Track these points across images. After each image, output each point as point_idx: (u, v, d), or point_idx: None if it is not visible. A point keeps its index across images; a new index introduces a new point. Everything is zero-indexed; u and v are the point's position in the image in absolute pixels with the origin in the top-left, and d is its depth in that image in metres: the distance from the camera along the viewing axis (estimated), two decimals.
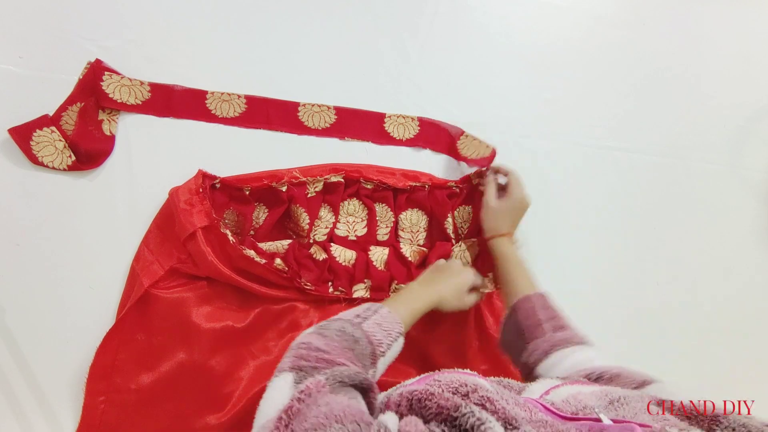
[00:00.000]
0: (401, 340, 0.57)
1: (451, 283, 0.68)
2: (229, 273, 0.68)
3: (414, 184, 0.78)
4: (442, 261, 0.72)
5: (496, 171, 0.78)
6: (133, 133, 0.72)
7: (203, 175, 0.71)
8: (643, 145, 0.95)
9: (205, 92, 0.74)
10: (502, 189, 0.76)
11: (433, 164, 0.83)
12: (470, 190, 0.80)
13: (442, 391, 0.34)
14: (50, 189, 0.69)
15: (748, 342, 0.97)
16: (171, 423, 0.67)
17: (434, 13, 0.85)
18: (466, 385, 0.35)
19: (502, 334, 0.67)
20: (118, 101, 0.70)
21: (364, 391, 0.40)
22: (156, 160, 0.72)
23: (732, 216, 1.00)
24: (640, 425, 0.29)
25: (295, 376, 0.41)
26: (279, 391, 0.39)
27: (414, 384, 0.38)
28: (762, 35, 1.04)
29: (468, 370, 0.42)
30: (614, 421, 0.32)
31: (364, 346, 0.51)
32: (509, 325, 0.64)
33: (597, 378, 0.47)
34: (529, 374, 0.58)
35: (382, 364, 0.54)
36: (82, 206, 0.70)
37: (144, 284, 0.67)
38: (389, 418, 0.30)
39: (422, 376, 0.43)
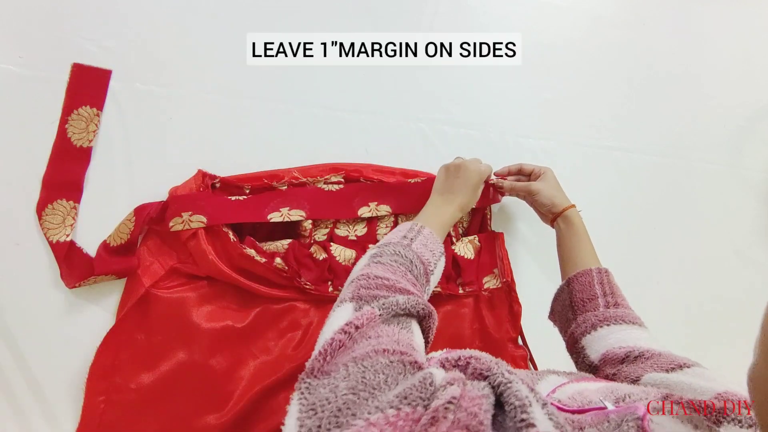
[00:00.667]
0: (443, 260, 0.59)
1: (468, 186, 0.67)
2: (230, 272, 0.68)
3: (413, 180, 0.78)
4: (455, 161, 0.70)
5: (507, 173, 0.78)
6: (133, 133, 0.72)
7: (203, 175, 0.71)
8: (643, 145, 0.95)
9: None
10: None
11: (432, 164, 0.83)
12: None
13: (479, 357, 0.34)
14: None
15: (749, 343, 0.97)
16: (171, 423, 0.67)
17: (434, 13, 0.85)
18: (492, 359, 0.36)
19: (554, 303, 0.66)
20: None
21: (422, 317, 0.40)
22: (156, 159, 0.72)
23: (732, 216, 1.00)
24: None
25: (355, 305, 0.41)
26: (337, 321, 0.39)
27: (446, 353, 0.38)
28: (762, 35, 1.05)
29: None
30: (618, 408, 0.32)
31: (417, 266, 0.51)
32: (564, 294, 0.63)
33: (636, 357, 0.46)
34: (574, 345, 0.57)
35: (433, 281, 0.55)
36: (81, 206, 0.70)
37: (144, 284, 0.67)
38: (435, 370, 0.30)
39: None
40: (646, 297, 0.93)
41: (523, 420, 0.26)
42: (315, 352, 0.33)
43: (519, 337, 0.80)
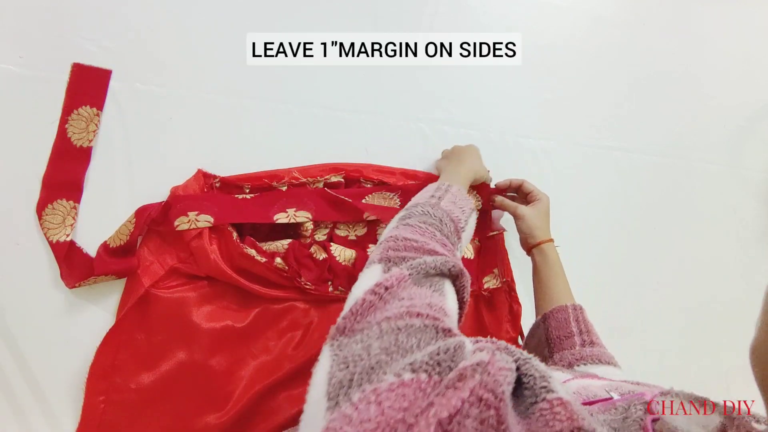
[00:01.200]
0: (475, 215, 0.58)
1: (472, 154, 0.69)
2: (231, 273, 0.68)
3: (412, 182, 0.78)
4: (449, 148, 0.72)
5: (508, 186, 0.77)
6: (133, 133, 0.72)
7: (203, 174, 0.71)
8: (643, 145, 0.95)
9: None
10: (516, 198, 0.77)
11: (432, 163, 0.83)
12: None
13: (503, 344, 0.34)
14: None
15: (749, 342, 0.97)
16: (171, 422, 0.67)
17: (434, 14, 0.85)
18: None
19: (528, 339, 0.66)
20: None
21: (454, 277, 0.39)
22: (155, 159, 0.72)
23: (732, 216, 1.00)
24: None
25: (383, 266, 0.41)
26: (367, 281, 0.39)
27: None
28: (762, 35, 1.05)
29: None
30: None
31: (447, 224, 0.50)
32: (539, 330, 0.64)
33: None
34: None
35: (465, 238, 0.54)
36: (81, 206, 0.70)
37: (144, 284, 0.67)
38: (466, 339, 0.30)
39: None
40: (645, 297, 0.93)
41: (543, 387, 0.28)
42: (345, 311, 0.33)
43: (519, 336, 0.80)
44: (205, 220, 0.68)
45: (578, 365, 0.55)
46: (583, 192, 0.91)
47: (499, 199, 0.76)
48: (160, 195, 0.71)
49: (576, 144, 0.91)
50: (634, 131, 0.95)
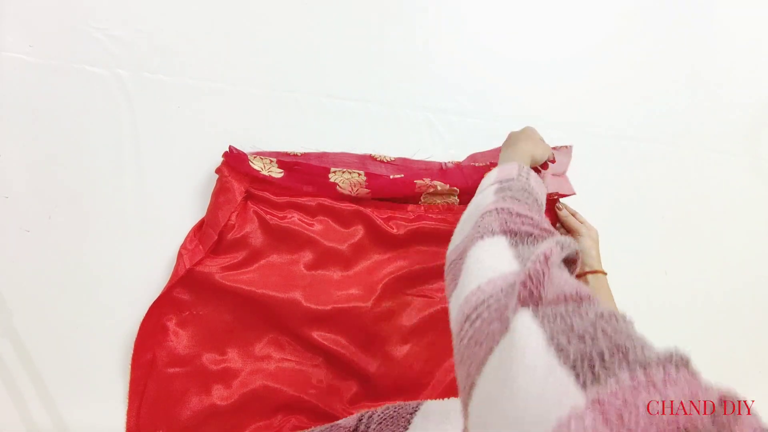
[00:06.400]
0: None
1: (527, 139, 0.66)
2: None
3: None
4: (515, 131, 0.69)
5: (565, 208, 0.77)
6: (141, 122, 0.72)
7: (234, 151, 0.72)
8: (655, 134, 0.94)
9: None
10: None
11: (438, 153, 0.83)
12: None
13: None
14: (62, 178, 0.70)
15: (761, 335, 0.97)
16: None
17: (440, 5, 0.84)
18: None
19: None
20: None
21: (572, 261, 0.38)
22: (163, 148, 0.73)
23: (746, 206, 0.98)
24: None
25: (509, 239, 0.39)
26: (492, 252, 0.37)
27: None
28: None
29: None
30: None
31: (540, 205, 0.50)
32: None
33: None
34: None
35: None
36: (86, 194, 0.71)
37: (185, 265, 0.68)
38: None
39: None
40: (654, 287, 0.93)
41: None
42: (520, 283, 0.31)
43: None
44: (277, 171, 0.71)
45: None
46: (593, 181, 0.90)
47: (563, 213, 0.75)
48: (168, 182, 0.72)
49: (585, 133, 0.90)
50: (647, 120, 0.94)
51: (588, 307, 0.29)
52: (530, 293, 0.30)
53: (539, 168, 0.70)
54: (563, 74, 0.90)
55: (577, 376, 0.24)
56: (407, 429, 0.52)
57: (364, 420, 0.55)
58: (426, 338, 0.76)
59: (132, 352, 0.67)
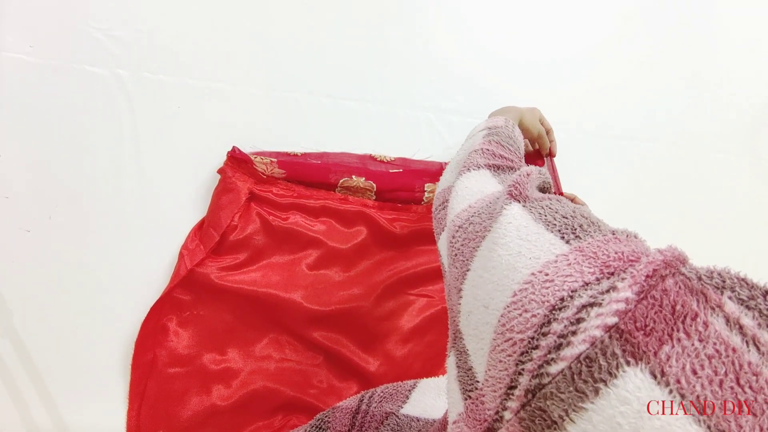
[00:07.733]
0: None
1: (521, 107, 0.70)
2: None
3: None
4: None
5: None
6: (141, 122, 0.72)
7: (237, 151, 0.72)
8: (655, 134, 0.94)
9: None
10: None
11: (438, 153, 0.83)
12: None
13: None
14: (62, 178, 0.70)
15: None
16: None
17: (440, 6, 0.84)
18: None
19: None
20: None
21: (543, 191, 0.42)
22: (163, 148, 0.73)
23: (746, 206, 0.98)
24: None
25: (492, 172, 0.44)
26: (478, 180, 0.42)
27: None
28: None
29: None
30: None
31: (521, 154, 0.54)
32: None
33: None
34: None
35: None
36: (86, 195, 0.71)
37: (187, 266, 0.68)
38: None
39: None
40: None
41: None
42: (507, 187, 0.36)
43: None
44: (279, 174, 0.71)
45: None
46: (593, 182, 0.90)
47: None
48: (168, 182, 0.71)
49: (585, 133, 0.90)
50: (648, 120, 0.94)
51: (565, 201, 0.34)
52: (519, 193, 0.35)
53: (544, 156, 0.72)
54: (563, 74, 0.90)
55: (563, 236, 0.29)
56: (406, 402, 0.56)
57: (365, 399, 0.57)
58: (427, 338, 0.76)
59: (132, 352, 0.67)
